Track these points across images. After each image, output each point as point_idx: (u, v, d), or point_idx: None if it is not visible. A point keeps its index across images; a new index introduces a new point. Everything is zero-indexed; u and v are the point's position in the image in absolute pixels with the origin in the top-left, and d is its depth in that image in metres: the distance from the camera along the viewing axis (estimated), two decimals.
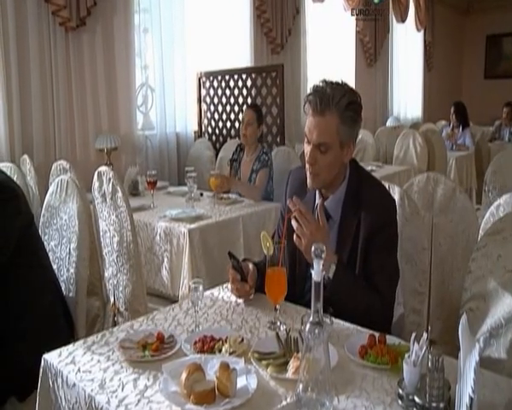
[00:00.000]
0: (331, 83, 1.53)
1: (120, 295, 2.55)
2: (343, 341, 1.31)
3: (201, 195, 3.46)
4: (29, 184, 3.15)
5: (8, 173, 2.81)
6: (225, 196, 3.29)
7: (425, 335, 1.03)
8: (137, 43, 4.39)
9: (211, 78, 4.79)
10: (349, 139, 1.56)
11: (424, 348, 1.01)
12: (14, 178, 2.76)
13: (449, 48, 10.02)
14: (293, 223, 1.49)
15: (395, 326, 1.82)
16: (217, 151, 4.62)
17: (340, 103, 1.49)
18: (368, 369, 1.18)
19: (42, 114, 3.54)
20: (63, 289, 2.22)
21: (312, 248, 0.96)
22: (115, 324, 2.49)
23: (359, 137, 5.86)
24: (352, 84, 7.38)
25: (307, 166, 1.58)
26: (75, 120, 3.75)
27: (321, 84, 1.52)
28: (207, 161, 4.45)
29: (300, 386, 0.98)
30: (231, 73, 4.62)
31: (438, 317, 2.14)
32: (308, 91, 1.56)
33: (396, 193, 1.89)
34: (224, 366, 1.06)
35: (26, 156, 3.22)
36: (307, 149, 1.57)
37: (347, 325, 1.42)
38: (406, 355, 1.03)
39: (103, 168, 2.48)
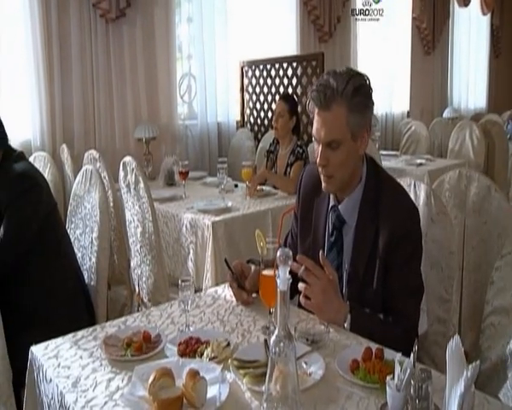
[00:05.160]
0: (333, 72, 1.39)
1: (144, 285, 2.56)
2: (338, 352, 1.21)
3: (236, 186, 3.41)
4: (66, 172, 3.24)
5: (42, 163, 2.91)
6: (259, 188, 3.22)
7: (412, 356, 0.91)
8: (180, 33, 4.41)
9: (253, 67, 4.71)
10: (361, 128, 1.41)
11: (408, 371, 0.88)
12: (48, 168, 2.84)
13: None
14: (301, 285, 1.36)
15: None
16: (258, 141, 4.55)
17: (346, 91, 1.35)
18: (356, 387, 1.07)
19: (82, 104, 3.63)
20: (86, 277, 2.24)
21: (278, 254, 0.87)
22: None
23: (412, 128, 5.64)
24: (407, 73, 6.97)
25: (320, 169, 1.45)
26: (115, 110, 3.81)
27: (324, 76, 1.39)
28: (248, 152, 4.39)
29: (265, 404, 0.89)
30: (272, 61, 4.52)
31: (470, 328, 1.96)
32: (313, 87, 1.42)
33: (422, 191, 1.74)
34: (191, 375, 0.99)
35: (64, 146, 3.31)
36: (317, 150, 1.44)
37: (348, 334, 1.31)
38: (389, 378, 0.92)
39: (127, 158, 2.50)
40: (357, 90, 1.37)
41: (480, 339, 1.41)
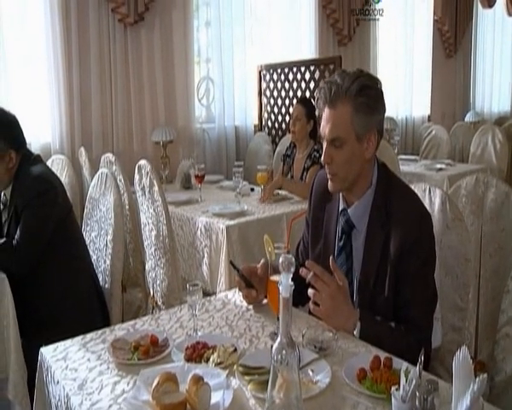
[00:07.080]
0: (343, 71, 1.40)
1: (158, 288, 2.57)
2: (346, 360, 1.19)
3: (252, 190, 3.41)
4: (84, 175, 3.29)
5: (60, 166, 2.96)
6: (275, 192, 3.21)
7: (418, 366, 0.88)
8: (199, 36, 4.44)
9: (270, 70, 4.71)
10: (367, 130, 1.40)
11: (414, 382, 0.86)
12: (65, 170, 2.88)
13: None
14: (310, 291, 1.34)
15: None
16: (276, 145, 4.55)
17: (351, 90, 1.35)
18: (363, 396, 1.05)
19: (100, 107, 3.68)
20: (100, 280, 2.27)
21: (280, 260, 0.86)
22: None
23: (432, 133, 5.55)
24: (428, 76, 6.79)
25: (325, 167, 1.46)
26: (132, 113, 3.85)
27: (334, 75, 1.40)
28: (265, 155, 4.38)
29: None
30: (290, 65, 4.51)
31: (487, 337, 1.91)
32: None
33: (437, 196, 1.70)
34: (195, 380, 0.99)
35: (82, 149, 3.36)
36: (323, 147, 1.45)
37: (356, 341, 1.29)
38: (393, 388, 0.89)
39: (142, 162, 2.51)
40: (363, 90, 1.36)
41: (495, 350, 1.37)
